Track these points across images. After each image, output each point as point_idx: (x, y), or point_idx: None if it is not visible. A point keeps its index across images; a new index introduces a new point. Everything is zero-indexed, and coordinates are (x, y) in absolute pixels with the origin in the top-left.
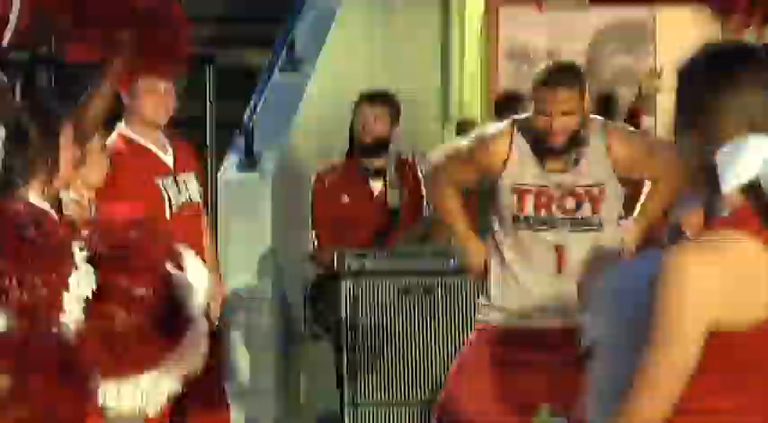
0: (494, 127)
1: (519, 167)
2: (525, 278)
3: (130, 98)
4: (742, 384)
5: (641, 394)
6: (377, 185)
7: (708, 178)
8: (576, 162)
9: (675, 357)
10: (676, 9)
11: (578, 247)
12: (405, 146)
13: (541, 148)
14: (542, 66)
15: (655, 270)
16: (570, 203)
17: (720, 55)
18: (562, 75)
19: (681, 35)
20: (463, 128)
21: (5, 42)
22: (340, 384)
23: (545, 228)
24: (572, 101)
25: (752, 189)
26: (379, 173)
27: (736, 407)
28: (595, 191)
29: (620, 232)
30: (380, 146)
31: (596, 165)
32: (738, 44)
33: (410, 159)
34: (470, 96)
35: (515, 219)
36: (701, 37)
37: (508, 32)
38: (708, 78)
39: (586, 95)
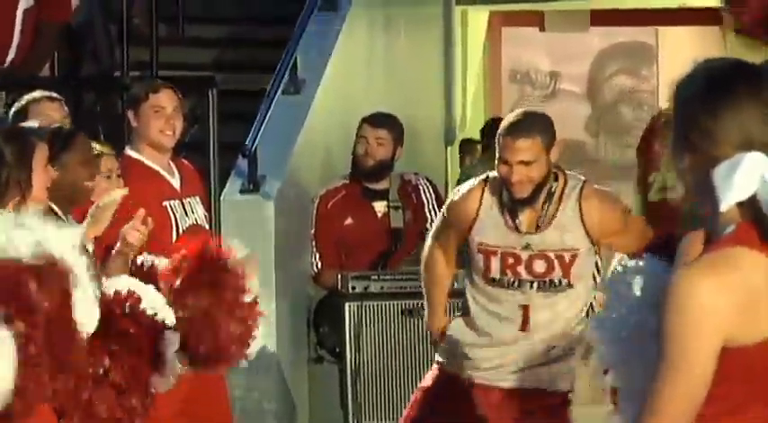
0: (465, 186)
1: (486, 227)
2: (489, 332)
3: (137, 121)
4: (751, 402)
5: (657, 415)
6: (380, 207)
7: (708, 197)
8: (549, 222)
9: (690, 381)
10: (679, 28)
11: (545, 307)
12: (408, 167)
13: (510, 206)
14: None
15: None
16: (539, 266)
17: (717, 73)
18: (524, 123)
19: (684, 54)
20: (466, 148)
21: (7, 62)
22: (344, 407)
23: (511, 289)
24: (531, 150)
25: (751, 205)
26: (383, 194)
27: (740, 418)
28: (567, 256)
29: (590, 288)
30: (383, 169)
31: (569, 227)
32: (735, 61)
33: (413, 181)
34: (473, 116)
35: (484, 277)
36: (704, 55)
37: (510, 52)
38: (705, 97)
39: (553, 148)
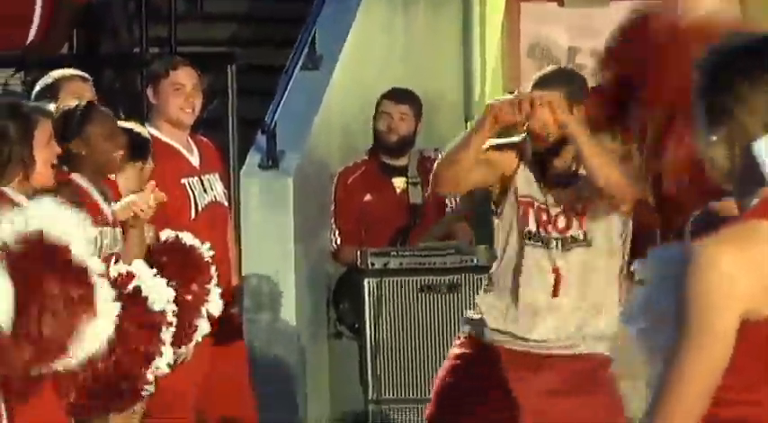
0: (508, 139)
1: (525, 180)
2: (519, 299)
3: (156, 98)
4: (766, 376)
5: (677, 391)
6: (399, 183)
7: (735, 175)
8: (571, 179)
9: (710, 351)
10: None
11: (572, 269)
12: (427, 143)
13: (539, 160)
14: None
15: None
16: (561, 222)
17: (737, 54)
18: (551, 75)
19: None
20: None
21: (29, 40)
22: (364, 382)
23: (540, 247)
24: (560, 103)
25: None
26: (402, 171)
27: (763, 392)
28: (579, 208)
29: (618, 251)
30: (406, 144)
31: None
32: (759, 38)
33: (432, 157)
34: (492, 92)
35: (519, 233)
36: (726, 29)
37: (529, 28)
38: (726, 76)
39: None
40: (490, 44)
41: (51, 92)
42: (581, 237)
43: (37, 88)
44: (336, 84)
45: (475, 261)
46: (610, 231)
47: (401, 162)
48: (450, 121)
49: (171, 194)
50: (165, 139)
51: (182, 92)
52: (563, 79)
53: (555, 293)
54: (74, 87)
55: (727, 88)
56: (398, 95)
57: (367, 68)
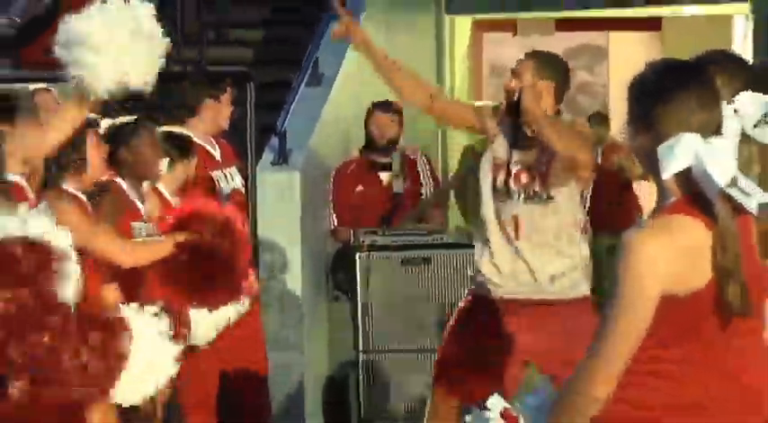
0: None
1: (499, 145)
2: (497, 250)
3: (207, 110)
4: (684, 336)
5: (607, 348)
6: (384, 176)
7: (654, 170)
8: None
9: (634, 319)
10: (626, 35)
11: (532, 217)
12: (407, 144)
13: (513, 129)
14: None
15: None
16: (524, 178)
17: (664, 72)
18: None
19: (629, 55)
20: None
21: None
22: (355, 336)
23: (504, 200)
24: (522, 66)
25: (687, 179)
26: (387, 166)
27: (676, 356)
28: (543, 167)
29: (576, 208)
30: (390, 145)
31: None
32: (678, 62)
33: (412, 155)
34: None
35: (493, 189)
36: (647, 56)
37: (489, 52)
38: (653, 90)
39: (545, 89)
40: (459, 64)
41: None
42: (543, 193)
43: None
44: (334, 97)
45: (444, 239)
46: (571, 190)
47: (387, 160)
48: (426, 128)
49: (203, 183)
50: (197, 140)
51: (228, 107)
52: (538, 57)
53: (517, 237)
54: (44, 98)
55: (647, 102)
56: (385, 106)
57: (359, 84)
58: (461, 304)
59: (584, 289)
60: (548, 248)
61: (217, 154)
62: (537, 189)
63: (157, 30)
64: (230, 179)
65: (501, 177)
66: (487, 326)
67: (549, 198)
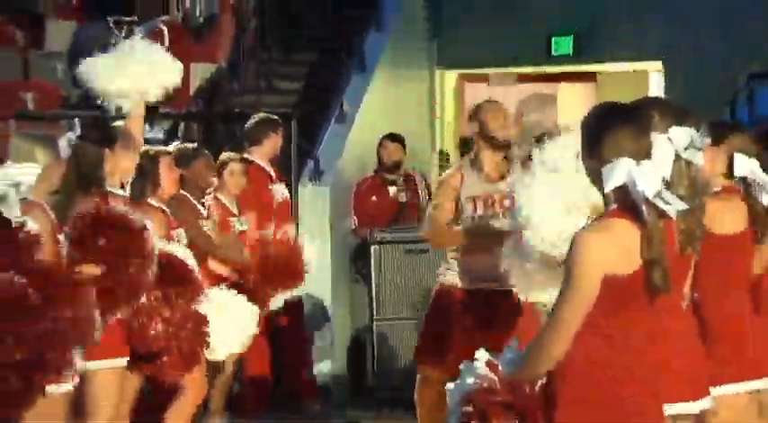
0: (449, 170)
1: (469, 184)
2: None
3: (267, 141)
4: (620, 307)
5: (560, 318)
6: (392, 190)
7: (600, 185)
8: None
9: (581, 295)
10: (572, 86)
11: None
12: (408, 166)
13: (479, 169)
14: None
15: None
16: (507, 202)
17: (606, 111)
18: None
19: (573, 101)
20: (443, 155)
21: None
22: (370, 308)
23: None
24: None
25: (621, 191)
26: (394, 182)
27: (616, 320)
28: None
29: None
30: (396, 166)
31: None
32: (615, 104)
33: (413, 174)
34: (447, 137)
35: (472, 219)
36: (586, 102)
37: (470, 98)
38: (598, 125)
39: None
40: (447, 108)
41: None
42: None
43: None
44: (355, 131)
45: None
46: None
47: (394, 177)
48: (422, 153)
49: (264, 195)
50: (259, 163)
51: (281, 139)
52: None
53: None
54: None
55: (595, 132)
56: (393, 137)
57: (373, 121)
58: (433, 296)
59: None
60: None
61: (273, 173)
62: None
63: (161, 57)
64: (281, 191)
65: (480, 206)
66: (456, 314)
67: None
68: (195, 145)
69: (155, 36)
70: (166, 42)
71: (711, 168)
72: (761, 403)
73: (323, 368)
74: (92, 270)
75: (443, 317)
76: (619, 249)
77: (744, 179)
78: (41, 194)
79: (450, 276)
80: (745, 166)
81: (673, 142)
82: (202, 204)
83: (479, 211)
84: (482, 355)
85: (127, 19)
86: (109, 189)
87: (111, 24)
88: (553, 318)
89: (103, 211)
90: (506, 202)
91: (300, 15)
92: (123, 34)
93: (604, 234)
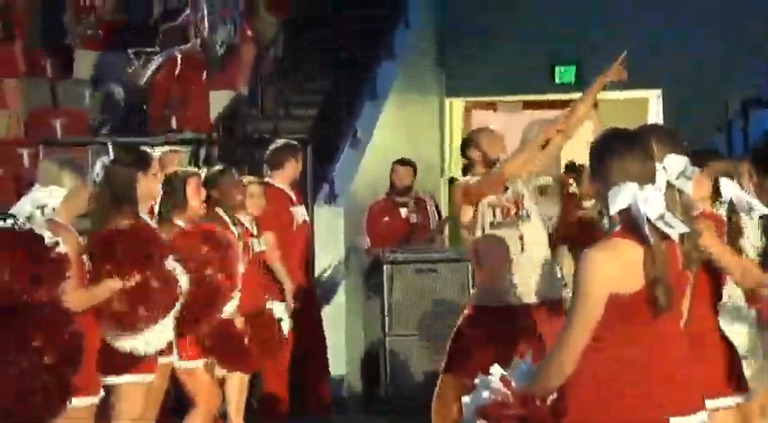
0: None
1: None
2: (497, 267)
3: (288, 165)
4: (626, 323)
5: (571, 335)
6: (404, 212)
7: (606, 206)
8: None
9: (588, 311)
10: None
11: (529, 233)
12: (419, 189)
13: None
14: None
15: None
16: (513, 208)
17: (611, 137)
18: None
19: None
20: (451, 180)
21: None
22: (382, 323)
23: (507, 226)
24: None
25: (627, 213)
26: (405, 204)
27: (622, 336)
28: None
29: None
30: (407, 190)
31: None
32: (623, 131)
33: (423, 197)
34: (456, 161)
35: (491, 224)
36: (587, 128)
37: (477, 125)
38: (604, 150)
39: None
40: (455, 133)
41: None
42: (526, 213)
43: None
44: (368, 156)
45: (446, 254)
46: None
47: (405, 199)
48: (432, 178)
49: (284, 217)
50: (281, 186)
51: (300, 163)
52: None
53: (522, 251)
54: (171, 158)
55: (602, 157)
56: (404, 162)
57: (385, 147)
58: (463, 320)
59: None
60: (541, 257)
61: (293, 196)
62: (522, 212)
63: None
64: (301, 213)
65: (498, 212)
66: (485, 334)
67: (529, 217)
68: (222, 166)
69: (169, 64)
70: (177, 70)
71: (696, 193)
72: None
73: (337, 379)
74: (115, 284)
75: (473, 333)
76: (623, 268)
77: (730, 201)
78: (69, 217)
79: (477, 297)
80: (731, 189)
81: (666, 171)
82: (233, 220)
83: (498, 218)
84: (496, 369)
85: (148, 50)
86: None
87: (132, 55)
88: (563, 335)
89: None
90: (513, 209)
91: (316, 45)
92: (141, 63)
93: (610, 253)
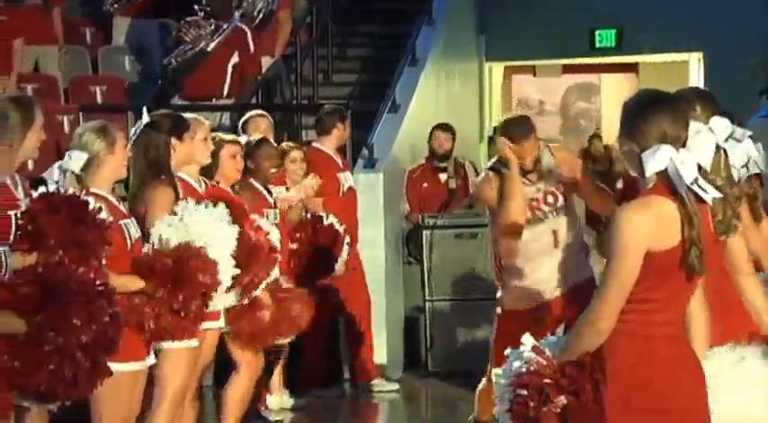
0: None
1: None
2: (526, 268)
3: (335, 129)
4: (662, 283)
5: (608, 293)
6: (443, 177)
7: (639, 168)
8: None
9: (625, 269)
10: (612, 76)
11: (563, 227)
12: (458, 153)
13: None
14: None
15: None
16: (550, 199)
17: (646, 97)
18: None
19: (615, 89)
20: (490, 143)
21: (224, 94)
22: (422, 288)
23: (541, 221)
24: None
25: (663, 174)
26: (444, 169)
27: (659, 296)
28: (555, 190)
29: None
30: (447, 155)
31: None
32: (655, 91)
33: (462, 162)
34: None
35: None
36: (628, 91)
37: (516, 89)
38: (638, 111)
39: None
40: (494, 98)
41: (246, 125)
42: (561, 207)
43: (240, 122)
44: (407, 121)
45: (485, 219)
46: (571, 202)
47: (444, 165)
48: (471, 142)
49: (332, 182)
50: (327, 151)
51: (347, 129)
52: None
53: (555, 246)
54: (257, 121)
55: (635, 120)
56: (444, 127)
57: (425, 112)
58: (496, 328)
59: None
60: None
61: (340, 161)
62: (559, 205)
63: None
64: (349, 179)
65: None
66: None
67: (565, 208)
68: (260, 136)
69: (238, 36)
70: (251, 45)
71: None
72: None
73: (379, 344)
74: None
75: (511, 330)
76: (656, 223)
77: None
78: (102, 182)
79: (507, 302)
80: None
81: (714, 132)
82: (269, 192)
83: (528, 214)
84: (528, 339)
85: (189, 19)
86: (181, 175)
87: (182, 23)
88: (600, 293)
89: None
90: (550, 200)
91: (354, 10)
92: (193, 30)
93: (642, 209)
